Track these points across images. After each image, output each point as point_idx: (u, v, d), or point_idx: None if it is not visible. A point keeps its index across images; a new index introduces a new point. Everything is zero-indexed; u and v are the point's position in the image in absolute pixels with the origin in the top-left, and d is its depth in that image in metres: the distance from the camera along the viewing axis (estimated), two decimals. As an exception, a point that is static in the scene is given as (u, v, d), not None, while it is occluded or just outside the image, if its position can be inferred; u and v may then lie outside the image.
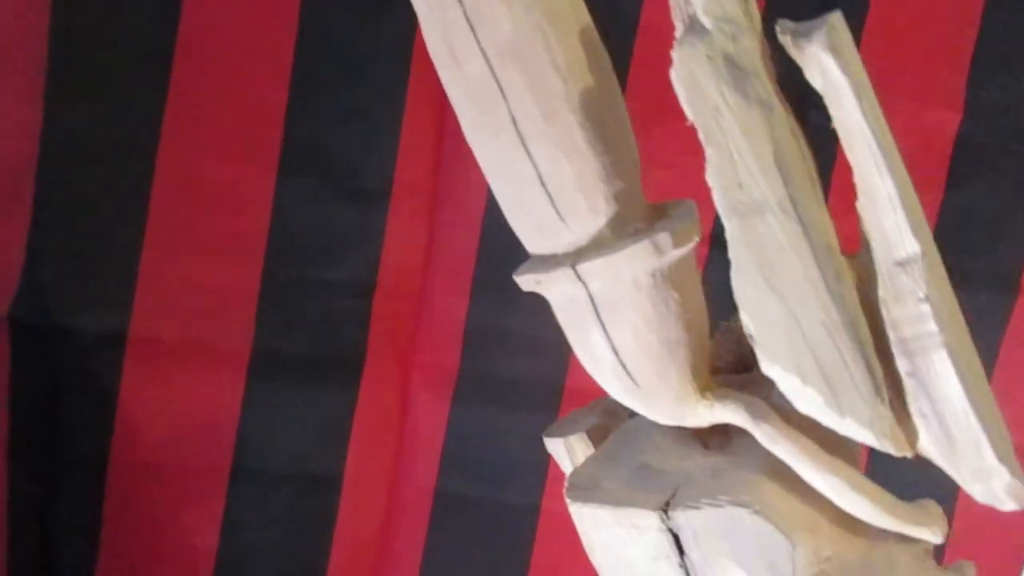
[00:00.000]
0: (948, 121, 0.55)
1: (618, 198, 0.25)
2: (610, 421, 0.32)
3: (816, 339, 0.25)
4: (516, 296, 0.63)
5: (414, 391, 0.57)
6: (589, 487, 0.28)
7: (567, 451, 0.32)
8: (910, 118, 0.55)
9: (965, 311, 0.62)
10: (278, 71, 0.54)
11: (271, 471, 0.56)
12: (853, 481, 0.26)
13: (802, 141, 0.25)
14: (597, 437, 0.31)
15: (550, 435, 0.32)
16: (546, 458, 0.56)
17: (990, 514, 0.58)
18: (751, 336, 0.26)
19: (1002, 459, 0.25)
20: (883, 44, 0.54)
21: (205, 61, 0.53)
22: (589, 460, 0.30)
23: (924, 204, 0.62)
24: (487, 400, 0.57)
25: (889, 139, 0.24)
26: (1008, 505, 0.25)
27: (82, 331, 0.54)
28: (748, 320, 0.26)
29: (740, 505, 0.25)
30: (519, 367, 0.56)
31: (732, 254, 0.25)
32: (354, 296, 0.56)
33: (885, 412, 0.25)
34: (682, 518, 0.26)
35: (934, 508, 0.27)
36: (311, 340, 0.56)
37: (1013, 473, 0.25)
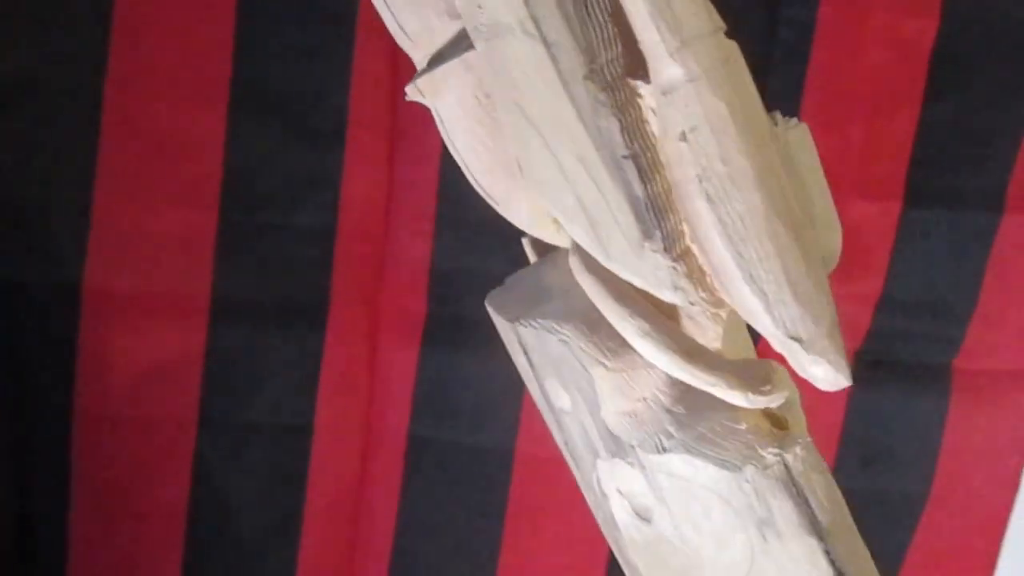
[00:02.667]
0: (925, 29, 0.52)
1: None
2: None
3: (575, 176, 0.22)
4: (480, 234, 0.61)
5: (382, 336, 0.56)
6: (498, 295, 0.29)
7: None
8: (886, 29, 0.52)
9: (950, 228, 0.60)
10: (223, 8, 0.52)
11: (239, 421, 0.56)
12: (643, 328, 0.23)
13: None
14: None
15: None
16: (519, 399, 0.56)
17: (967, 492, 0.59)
18: (521, 170, 0.24)
19: (793, 336, 0.22)
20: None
21: (148, 2, 0.52)
22: (520, 272, 0.29)
23: (903, 119, 0.60)
24: (456, 342, 0.56)
25: None
26: (819, 384, 0.23)
27: (37, 285, 0.53)
28: (516, 153, 0.24)
29: (548, 331, 0.25)
30: (485, 308, 0.55)
31: (487, 81, 0.23)
32: (315, 240, 0.54)
33: (661, 261, 0.23)
34: (524, 334, 0.26)
35: (770, 370, 0.24)
36: (273, 286, 0.55)
37: (811, 351, 0.22)
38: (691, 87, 0.21)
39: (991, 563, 0.60)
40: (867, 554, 0.24)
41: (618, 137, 0.22)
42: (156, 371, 0.54)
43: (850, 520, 0.24)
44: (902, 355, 0.57)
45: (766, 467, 0.23)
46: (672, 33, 0.21)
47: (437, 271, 0.55)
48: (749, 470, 0.23)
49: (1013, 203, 0.55)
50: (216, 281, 0.54)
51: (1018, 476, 0.59)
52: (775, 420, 0.24)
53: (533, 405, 0.57)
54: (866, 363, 0.57)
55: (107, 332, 0.54)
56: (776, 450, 0.23)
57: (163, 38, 0.52)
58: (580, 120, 0.22)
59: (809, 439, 0.24)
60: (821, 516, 0.23)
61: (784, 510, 0.23)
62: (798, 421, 0.25)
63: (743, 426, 0.23)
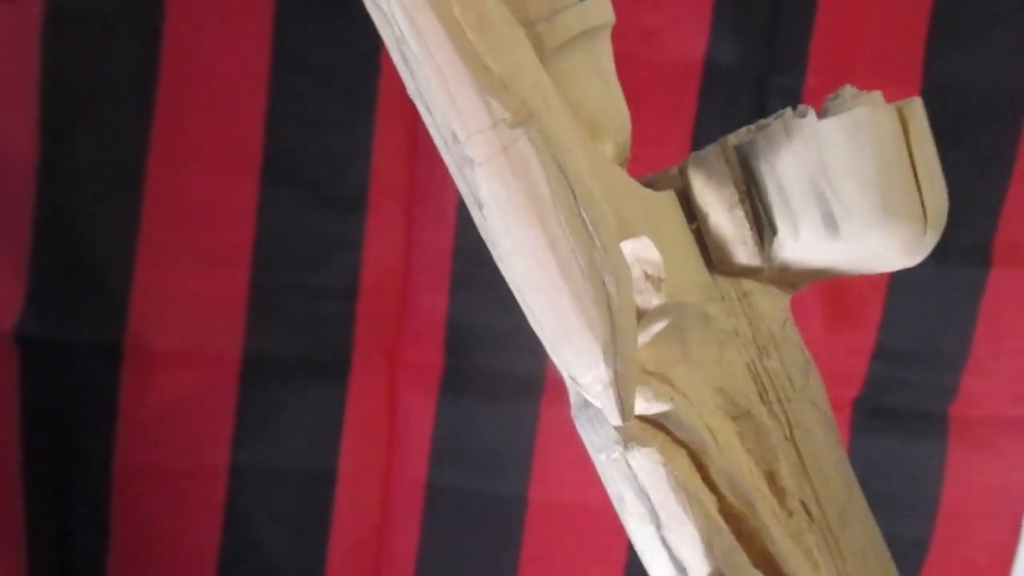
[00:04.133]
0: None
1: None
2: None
3: None
4: (493, 291, 0.64)
5: (401, 388, 0.59)
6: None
7: None
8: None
9: (940, 282, 0.62)
10: (255, 89, 0.57)
11: (268, 470, 0.59)
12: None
13: None
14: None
15: None
16: (531, 448, 0.59)
17: (978, 500, 0.60)
18: None
19: (572, 376, 0.27)
20: (837, 25, 0.55)
21: (187, 85, 0.56)
22: None
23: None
24: (472, 394, 0.59)
25: None
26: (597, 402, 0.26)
27: (82, 343, 0.57)
28: None
29: None
30: (500, 360, 0.58)
31: None
32: (339, 299, 0.58)
33: None
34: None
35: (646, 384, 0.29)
36: (299, 342, 0.58)
37: (588, 393, 0.26)
38: (479, 170, 0.25)
39: (996, 607, 0.61)
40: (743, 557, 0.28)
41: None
42: (190, 423, 0.58)
43: (713, 518, 0.28)
44: (899, 403, 0.59)
45: (614, 459, 0.28)
46: (461, 128, 0.25)
47: (453, 326, 0.59)
48: (602, 457, 0.29)
49: (999, 258, 0.57)
50: (247, 337, 0.58)
51: (1019, 521, 0.61)
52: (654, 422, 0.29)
53: (545, 453, 0.59)
54: (864, 411, 0.59)
55: (145, 387, 0.57)
56: (619, 448, 0.28)
57: (201, 114, 0.57)
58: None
59: (665, 439, 0.28)
60: (659, 509, 0.28)
61: (629, 496, 0.28)
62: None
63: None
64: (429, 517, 0.60)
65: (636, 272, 0.28)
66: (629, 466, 0.28)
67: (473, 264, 0.58)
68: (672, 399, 0.28)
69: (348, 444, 0.59)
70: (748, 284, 0.31)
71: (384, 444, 0.60)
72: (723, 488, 0.28)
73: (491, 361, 0.58)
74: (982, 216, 0.57)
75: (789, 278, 0.31)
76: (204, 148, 0.57)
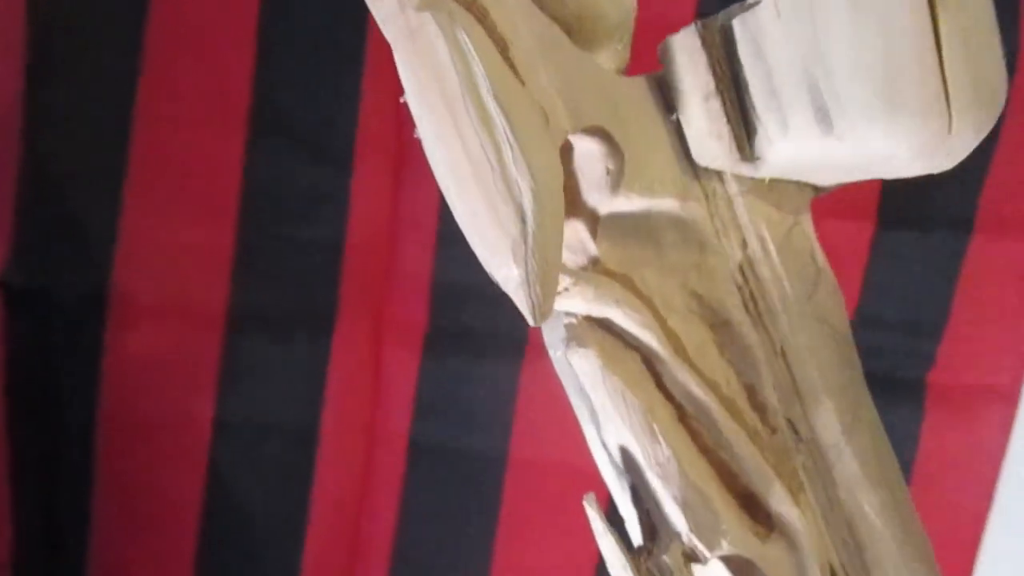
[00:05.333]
0: None
1: None
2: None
3: None
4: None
5: (385, 345, 0.60)
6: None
7: None
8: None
9: (922, 249, 0.62)
10: (243, 41, 0.56)
11: (251, 424, 0.59)
12: None
13: None
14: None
15: None
16: (513, 406, 0.59)
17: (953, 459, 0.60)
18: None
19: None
20: None
21: (175, 37, 0.56)
22: None
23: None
24: (455, 352, 0.59)
25: None
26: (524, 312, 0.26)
27: (66, 294, 0.57)
28: None
29: None
30: (484, 319, 0.58)
31: None
32: (325, 254, 0.58)
33: None
34: None
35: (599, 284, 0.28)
36: (284, 297, 0.58)
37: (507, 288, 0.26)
38: (396, 56, 0.26)
39: (966, 574, 0.62)
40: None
41: None
42: (174, 375, 0.58)
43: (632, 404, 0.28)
44: (877, 369, 0.59)
45: (558, 357, 0.28)
46: (376, 11, 0.25)
47: (438, 283, 0.59)
48: (554, 354, 0.29)
49: (981, 225, 0.57)
50: (232, 291, 0.58)
51: (992, 487, 0.61)
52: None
53: (527, 412, 0.60)
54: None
55: (130, 338, 0.58)
56: (563, 346, 0.28)
57: (188, 66, 0.57)
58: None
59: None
60: (599, 411, 0.28)
61: (573, 395, 0.29)
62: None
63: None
64: (411, 473, 0.60)
65: (597, 168, 0.28)
66: (571, 365, 0.28)
67: (452, 220, 0.57)
68: (617, 301, 0.27)
69: (332, 399, 0.59)
70: (742, 183, 0.28)
71: (367, 400, 0.60)
72: (679, 397, 0.28)
73: (475, 319, 0.59)
74: (966, 184, 0.57)
75: (788, 179, 0.28)
76: (191, 100, 0.57)
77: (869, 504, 0.28)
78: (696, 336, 0.28)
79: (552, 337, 0.28)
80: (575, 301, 0.28)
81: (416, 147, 0.61)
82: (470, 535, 0.61)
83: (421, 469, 0.60)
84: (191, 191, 0.57)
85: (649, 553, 0.28)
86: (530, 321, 0.25)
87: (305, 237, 0.58)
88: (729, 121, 0.26)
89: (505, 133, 0.24)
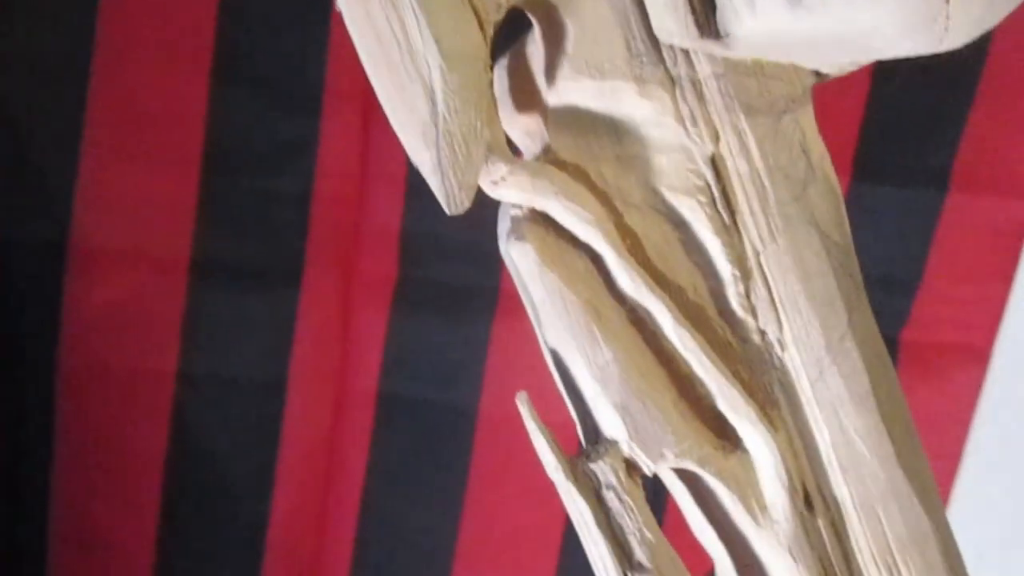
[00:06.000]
0: None
1: None
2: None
3: None
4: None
5: (354, 297, 0.59)
6: None
7: None
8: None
9: (898, 205, 0.62)
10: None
11: (217, 377, 0.58)
12: None
13: None
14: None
15: None
16: (483, 361, 0.59)
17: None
18: None
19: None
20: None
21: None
22: None
23: (852, 97, 0.62)
24: (425, 305, 0.58)
25: None
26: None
27: (24, 242, 0.56)
28: None
29: None
30: (455, 272, 0.58)
31: None
32: (292, 205, 0.57)
33: None
34: None
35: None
36: (250, 248, 0.57)
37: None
38: None
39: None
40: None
41: None
42: (137, 326, 0.57)
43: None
44: (851, 326, 0.59)
45: (503, 250, 0.26)
46: None
47: (407, 236, 0.58)
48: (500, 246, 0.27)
49: (958, 181, 0.57)
50: (196, 241, 0.56)
51: (961, 447, 0.62)
52: None
53: (497, 366, 0.59)
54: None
55: (91, 288, 0.56)
56: (506, 234, 0.26)
57: (149, 10, 0.55)
58: None
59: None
60: (539, 308, 0.26)
61: (520, 288, 0.27)
62: None
63: None
64: (380, 426, 0.60)
65: (536, 51, 0.26)
66: (512, 259, 0.26)
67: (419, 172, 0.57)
68: (556, 193, 0.25)
69: (299, 353, 0.58)
70: (715, 65, 0.25)
71: (336, 353, 0.59)
72: (631, 300, 0.26)
73: (445, 273, 0.58)
74: (944, 138, 0.56)
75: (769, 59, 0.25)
76: (152, 43, 0.55)
77: (855, 428, 0.26)
78: (657, 235, 0.26)
79: (500, 229, 0.27)
80: (511, 192, 0.25)
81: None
82: (440, 489, 0.60)
83: (391, 423, 0.60)
84: (153, 137, 0.55)
85: (588, 458, 0.26)
86: (445, 207, 0.24)
87: (272, 186, 0.57)
88: None
89: (411, 3, 0.23)
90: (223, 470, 0.59)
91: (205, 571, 0.61)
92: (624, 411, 0.25)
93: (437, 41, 0.23)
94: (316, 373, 0.59)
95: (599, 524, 0.26)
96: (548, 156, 0.26)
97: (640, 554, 0.26)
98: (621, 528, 0.26)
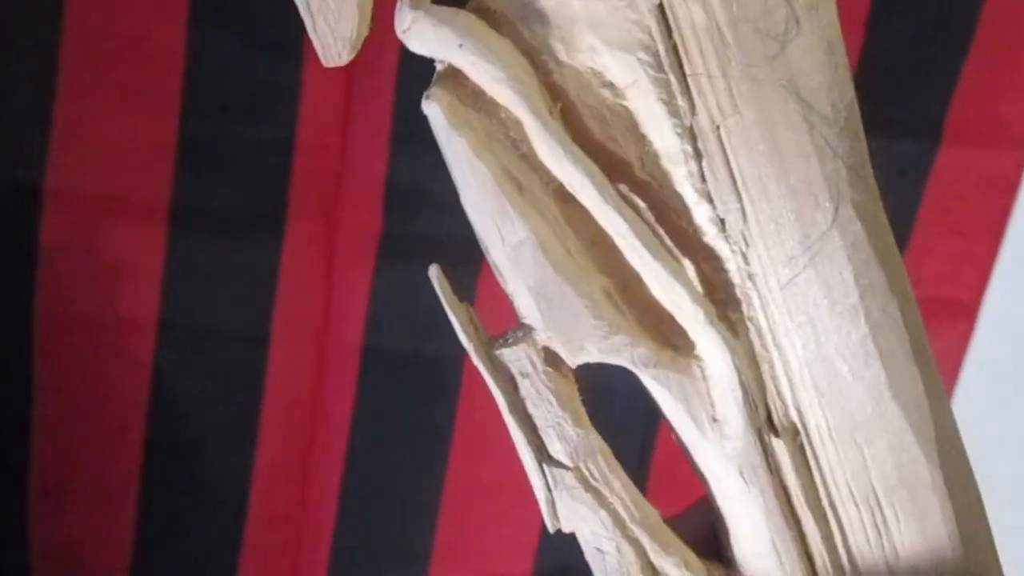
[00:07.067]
0: None
1: None
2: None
3: None
4: (435, 151, 0.63)
5: (338, 248, 0.58)
6: None
7: None
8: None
9: (888, 157, 0.62)
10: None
11: (198, 326, 0.57)
12: None
13: None
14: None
15: None
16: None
17: None
18: None
19: None
20: None
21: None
22: None
23: (845, 46, 0.61)
24: (409, 258, 0.58)
25: None
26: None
27: (-1, 186, 0.54)
28: None
29: None
30: (439, 224, 0.57)
31: None
32: (274, 153, 0.56)
33: None
34: None
35: None
36: (231, 196, 0.56)
37: None
38: None
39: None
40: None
41: None
42: (116, 274, 0.56)
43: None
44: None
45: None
46: None
47: (392, 187, 0.57)
48: None
49: (949, 134, 0.56)
50: (176, 188, 0.55)
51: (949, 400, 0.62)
52: None
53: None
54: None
55: (68, 234, 0.55)
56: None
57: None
58: None
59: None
60: (458, 180, 0.24)
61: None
62: None
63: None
64: (364, 378, 0.59)
65: None
66: (429, 121, 0.23)
67: (415, 123, 0.55)
68: (461, 46, 0.22)
69: (282, 304, 0.58)
70: None
71: (319, 305, 0.58)
72: (554, 171, 0.22)
73: (430, 225, 0.57)
74: (936, 90, 0.56)
75: None
76: None
77: (835, 346, 0.22)
78: (593, 99, 0.22)
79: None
80: (416, 43, 0.23)
81: (370, 42, 0.59)
82: (425, 440, 0.60)
83: (375, 375, 0.59)
84: (130, 82, 0.54)
85: (504, 342, 0.24)
86: (322, 61, 0.22)
87: (253, 133, 0.55)
88: None
89: None
90: (205, 421, 0.59)
91: (188, 522, 0.60)
92: (539, 296, 0.23)
93: None
94: (299, 324, 0.58)
95: (511, 410, 0.25)
96: (473, 3, 0.23)
97: (558, 448, 0.24)
98: (535, 418, 0.24)
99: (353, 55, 0.23)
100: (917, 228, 0.58)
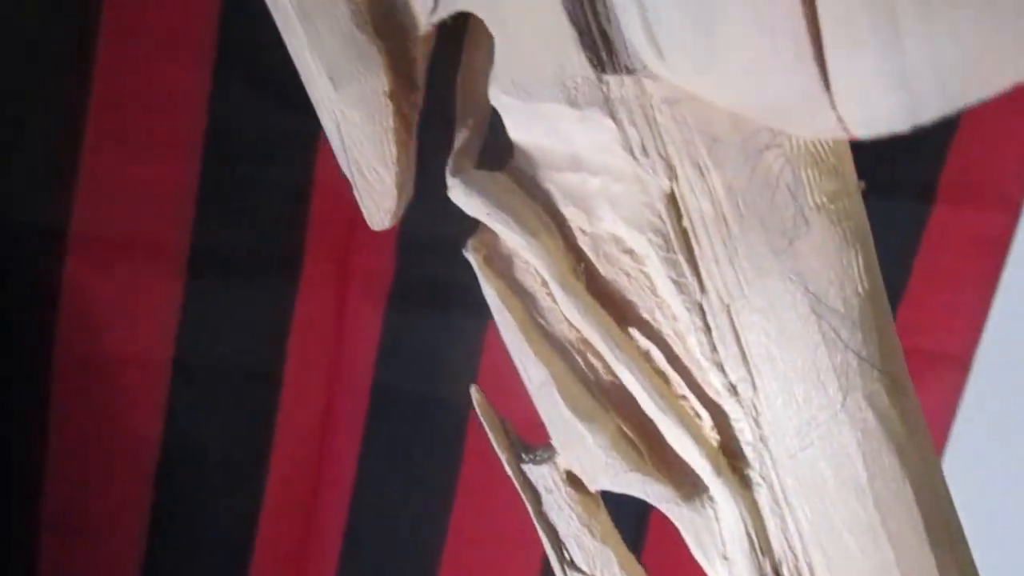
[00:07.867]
0: None
1: None
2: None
3: None
4: (446, 201, 0.65)
5: (351, 292, 0.59)
6: None
7: None
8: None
9: (884, 216, 0.63)
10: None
11: (212, 366, 0.59)
12: None
13: None
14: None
15: None
16: (477, 358, 0.59)
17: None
18: None
19: None
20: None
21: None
22: None
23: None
24: (421, 302, 0.59)
25: None
26: None
27: (26, 227, 0.56)
28: None
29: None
30: (451, 269, 0.58)
31: None
32: (292, 197, 0.57)
33: None
34: None
35: None
36: (249, 240, 0.57)
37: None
38: None
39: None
40: None
41: None
42: (134, 315, 0.57)
43: None
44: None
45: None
46: None
47: (404, 232, 0.58)
48: None
49: (944, 194, 0.58)
50: (196, 231, 0.57)
51: (939, 454, 0.63)
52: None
53: (492, 363, 0.60)
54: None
55: (90, 276, 0.56)
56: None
57: (152, 2, 0.55)
58: None
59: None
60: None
61: None
62: None
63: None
64: (373, 420, 0.60)
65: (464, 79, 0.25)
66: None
67: (428, 174, 0.57)
68: (487, 215, 0.25)
69: (295, 345, 0.59)
70: (663, 87, 0.20)
71: (331, 347, 0.60)
72: (574, 324, 0.25)
73: (441, 269, 0.58)
74: (931, 151, 0.58)
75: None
76: (156, 32, 0.55)
77: (842, 520, 0.22)
78: (615, 262, 0.24)
79: None
80: (457, 202, 0.26)
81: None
82: (431, 483, 0.61)
83: (384, 415, 0.60)
84: (155, 128, 0.55)
85: (532, 459, 0.26)
86: (370, 226, 0.25)
87: (272, 179, 0.57)
88: (576, 24, 0.20)
89: (308, 51, 0.24)
90: (216, 460, 0.60)
91: (196, 560, 0.61)
92: (556, 431, 0.25)
93: (332, 81, 0.24)
94: (311, 366, 0.60)
95: (536, 517, 0.26)
96: (510, 166, 0.25)
97: (577, 556, 0.25)
98: (557, 526, 0.26)
99: (395, 222, 0.27)
100: (911, 284, 0.59)
